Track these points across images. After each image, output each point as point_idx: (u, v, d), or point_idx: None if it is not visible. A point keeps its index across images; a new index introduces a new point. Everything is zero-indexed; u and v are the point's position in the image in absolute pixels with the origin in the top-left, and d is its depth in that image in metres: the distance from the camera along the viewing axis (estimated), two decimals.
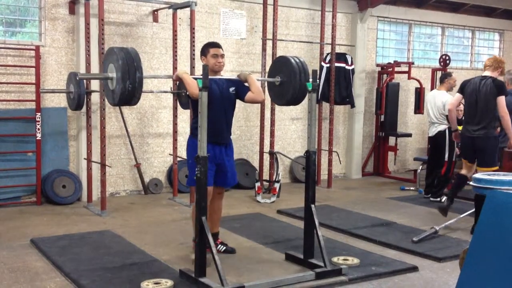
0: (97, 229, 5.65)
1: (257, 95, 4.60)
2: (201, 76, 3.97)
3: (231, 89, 4.62)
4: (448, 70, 8.36)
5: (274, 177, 7.66)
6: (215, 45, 4.65)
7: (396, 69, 9.34)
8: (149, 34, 7.47)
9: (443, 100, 7.22)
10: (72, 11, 6.92)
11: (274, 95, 4.94)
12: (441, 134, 7.28)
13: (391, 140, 9.58)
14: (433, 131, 7.41)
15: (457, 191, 6.31)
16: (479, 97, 5.89)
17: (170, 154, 7.45)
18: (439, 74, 9.21)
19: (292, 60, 4.68)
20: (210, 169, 4.28)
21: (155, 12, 7.44)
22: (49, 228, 5.70)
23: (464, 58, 11.24)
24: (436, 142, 7.43)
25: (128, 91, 3.85)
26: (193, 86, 4.29)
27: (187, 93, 4.45)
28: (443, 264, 4.76)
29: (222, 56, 4.60)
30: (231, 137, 4.87)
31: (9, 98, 6.66)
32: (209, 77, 4.22)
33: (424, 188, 7.73)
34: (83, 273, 4.28)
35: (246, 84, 4.63)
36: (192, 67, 6.70)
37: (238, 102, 4.74)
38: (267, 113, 7.77)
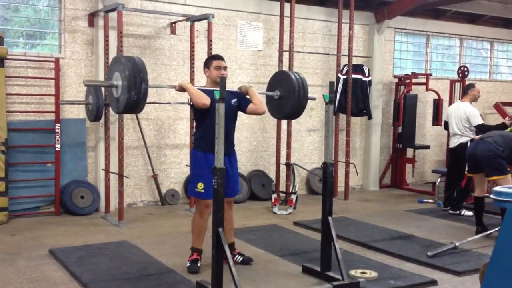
0: (114, 240, 5.67)
1: (258, 107, 4.66)
2: (204, 87, 3.99)
3: (233, 101, 4.68)
4: (470, 82, 8.29)
5: (291, 188, 7.63)
6: (218, 57, 4.77)
7: (414, 80, 9.29)
8: (167, 46, 7.53)
9: (467, 112, 7.12)
10: (91, 23, 7.02)
11: (272, 108, 4.97)
12: (462, 146, 7.15)
13: (409, 152, 9.50)
14: (454, 142, 7.30)
15: (480, 214, 6.23)
16: None
17: (187, 165, 7.47)
18: (457, 85, 9.16)
19: (293, 76, 4.71)
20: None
21: (173, 25, 7.51)
22: (67, 238, 5.74)
23: (482, 70, 11.15)
24: (457, 154, 7.31)
25: (133, 101, 3.89)
26: (197, 96, 4.36)
27: (191, 103, 4.50)
28: (462, 278, 4.69)
29: (225, 68, 4.69)
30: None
31: (29, 110, 6.76)
32: (212, 88, 4.26)
33: (443, 201, 7.64)
34: (101, 283, 4.29)
35: (247, 96, 4.68)
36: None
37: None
38: (283, 124, 7.77)
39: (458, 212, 7.26)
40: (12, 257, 5.00)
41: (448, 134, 8.07)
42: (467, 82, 8.17)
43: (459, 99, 7.84)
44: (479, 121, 7.06)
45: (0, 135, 6.27)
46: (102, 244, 5.48)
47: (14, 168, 6.58)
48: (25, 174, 6.69)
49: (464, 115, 7.14)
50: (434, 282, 4.55)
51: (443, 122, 8.04)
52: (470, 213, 7.13)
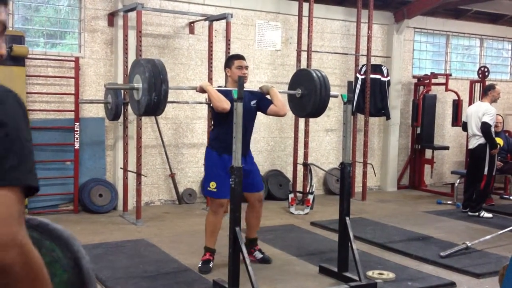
0: (132, 238, 5.71)
1: (280, 109, 4.62)
2: (223, 87, 3.99)
3: (252, 102, 4.64)
4: (490, 83, 8.21)
5: (308, 188, 7.61)
6: (239, 57, 4.74)
7: (433, 80, 9.20)
8: (185, 45, 7.57)
9: (483, 110, 7.03)
10: (111, 23, 7.07)
11: (294, 107, 4.94)
12: (482, 146, 7.07)
13: (428, 153, 9.42)
14: (474, 143, 7.21)
15: None
16: None
17: (204, 165, 7.48)
18: (477, 86, 9.06)
19: (314, 74, 4.67)
20: (227, 181, 4.19)
21: (192, 24, 7.54)
22: (85, 236, 5.79)
23: (503, 70, 11.00)
24: (476, 155, 7.23)
25: (153, 102, 3.90)
26: (217, 100, 4.34)
27: (211, 105, 4.49)
28: (481, 280, 4.63)
29: (246, 67, 4.65)
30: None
31: (49, 108, 6.83)
32: (230, 88, 4.26)
33: (462, 202, 7.55)
34: (118, 281, 4.33)
35: (268, 96, 4.64)
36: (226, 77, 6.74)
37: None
38: (301, 124, 7.75)
39: (477, 214, 7.17)
40: None
41: (467, 135, 7.98)
42: (487, 83, 8.07)
43: (479, 100, 7.75)
44: (488, 119, 6.94)
45: None
46: (120, 242, 5.52)
47: None
48: (44, 172, 6.77)
49: (482, 115, 7.04)
50: (452, 284, 4.50)
51: (462, 123, 7.95)
52: (490, 215, 7.08)
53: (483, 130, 6.93)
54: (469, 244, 5.33)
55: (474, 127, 7.19)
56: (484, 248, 5.47)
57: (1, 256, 0.98)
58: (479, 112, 7.11)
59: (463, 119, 7.82)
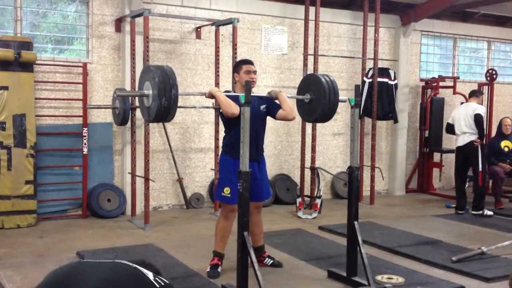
0: (140, 243, 5.72)
1: (289, 113, 4.65)
2: (231, 92, 3.99)
3: (262, 107, 4.67)
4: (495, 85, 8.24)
5: (316, 192, 7.59)
6: (248, 62, 4.78)
7: (441, 84, 9.17)
8: (192, 50, 7.59)
9: (476, 107, 7.36)
10: (118, 29, 7.11)
11: (303, 112, 4.93)
12: (472, 143, 7.30)
13: (436, 156, 9.37)
14: (465, 140, 7.39)
15: None
16: None
17: (211, 169, 7.50)
18: (485, 89, 9.02)
19: (322, 79, 4.67)
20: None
21: (198, 29, 7.56)
22: (94, 241, 5.80)
23: (511, 73, 10.94)
24: (466, 151, 7.39)
25: (164, 107, 3.90)
26: (226, 105, 4.35)
27: (220, 110, 4.50)
28: (491, 285, 4.60)
29: (255, 72, 4.68)
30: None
31: (58, 114, 6.86)
32: (240, 94, 4.26)
33: (456, 204, 7.66)
34: None
35: (276, 101, 4.66)
36: (234, 82, 6.74)
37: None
38: (308, 128, 7.75)
39: (481, 212, 7.30)
40: (40, 259, 5.08)
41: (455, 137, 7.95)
42: (495, 85, 8.05)
43: (466, 101, 7.96)
44: (481, 112, 7.33)
45: (29, 139, 6.39)
46: (129, 246, 5.53)
47: (43, 171, 6.69)
48: (53, 177, 6.80)
49: (472, 112, 7.32)
50: None
51: (446, 125, 8.07)
52: (491, 213, 7.31)
53: (477, 119, 7.23)
54: (485, 250, 5.25)
55: (463, 126, 7.40)
56: (493, 252, 5.42)
57: None
58: (469, 110, 7.38)
59: (448, 121, 7.91)
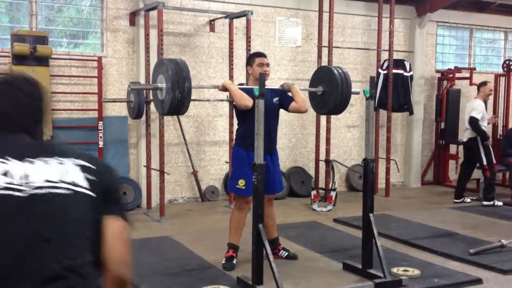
0: (156, 235, 5.76)
1: (301, 105, 4.64)
2: (244, 85, 3.98)
3: (275, 99, 4.66)
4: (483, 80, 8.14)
5: (330, 185, 7.58)
6: (261, 54, 4.77)
7: (457, 75, 9.06)
8: (206, 43, 7.59)
9: (473, 105, 7.43)
10: (132, 22, 7.13)
11: (316, 104, 4.92)
12: (471, 140, 7.43)
13: (452, 148, 9.29)
14: (466, 136, 7.53)
15: None
16: None
17: (226, 162, 7.52)
18: (502, 79, 8.90)
19: (335, 71, 4.65)
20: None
21: (212, 22, 7.56)
22: None
23: None
24: (467, 146, 7.57)
25: (177, 100, 3.92)
26: (239, 97, 4.35)
27: (234, 103, 4.50)
28: (509, 277, 4.56)
29: (268, 65, 4.67)
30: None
31: (73, 108, 6.92)
32: (253, 87, 4.26)
33: (455, 192, 7.82)
34: (144, 277, 4.36)
35: (289, 93, 4.65)
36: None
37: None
38: (322, 121, 7.72)
39: (492, 203, 7.38)
40: None
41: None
42: (484, 80, 7.95)
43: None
44: (475, 114, 7.29)
45: (45, 133, 6.42)
46: (145, 239, 5.57)
47: None
48: None
49: (469, 112, 7.43)
50: (479, 281, 4.44)
51: (461, 117, 8.28)
52: (501, 203, 7.42)
53: (470, 123, 7.33)
54: (505, 243, 5.19)
55: (466, 122, 7.51)
56: (510, 244, 5.36)
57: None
58: (469, 108, 7.48)
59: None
